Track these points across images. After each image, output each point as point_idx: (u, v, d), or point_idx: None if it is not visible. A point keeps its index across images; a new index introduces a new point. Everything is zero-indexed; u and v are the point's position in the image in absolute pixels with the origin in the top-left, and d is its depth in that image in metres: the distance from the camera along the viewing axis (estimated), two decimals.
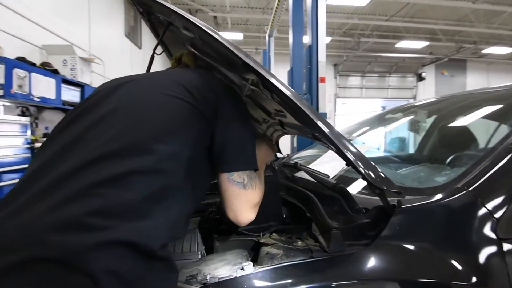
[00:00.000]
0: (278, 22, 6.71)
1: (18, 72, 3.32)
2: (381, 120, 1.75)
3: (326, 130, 0.61)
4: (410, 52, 11.64)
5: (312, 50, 3.36)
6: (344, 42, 11.69)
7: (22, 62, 3.47)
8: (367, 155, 1.33)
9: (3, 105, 3.36)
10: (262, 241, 0.82)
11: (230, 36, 10.24)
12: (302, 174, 1.27)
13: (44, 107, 3.93)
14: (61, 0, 4.89)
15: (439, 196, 0.74)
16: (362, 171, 0.64)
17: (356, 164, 0.63)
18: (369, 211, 0.78)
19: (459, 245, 0.68)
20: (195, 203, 0.69)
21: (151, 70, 0.89)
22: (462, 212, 0.71)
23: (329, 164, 1.20)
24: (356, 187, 0.99)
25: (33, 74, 3.54)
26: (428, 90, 13.08)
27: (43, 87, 3.70)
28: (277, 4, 5.83)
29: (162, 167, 0.56)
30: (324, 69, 3.36)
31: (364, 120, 1.93)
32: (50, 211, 0.45)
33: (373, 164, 0.69)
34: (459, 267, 0.64)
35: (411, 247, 0.65)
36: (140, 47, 8.34)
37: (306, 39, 3.65)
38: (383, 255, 0.64)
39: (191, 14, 8.81)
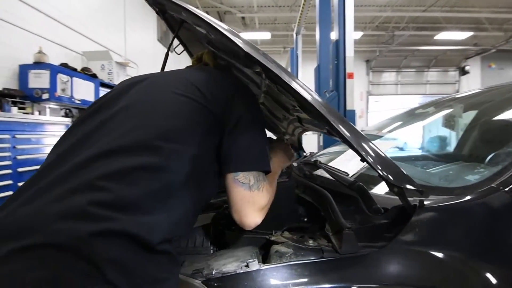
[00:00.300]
0: (306, 19, 6.58)
1: (61, 77, 3.63)
2: (412, 115, 1.63)
3: (330, 119, 0.57)
4: (451, 44, 10.74)
5: (339, 45, 3.24)
6: (377, 37, 11.16)
7: (65, 68, 3.79)
8: (398, 153, 1.25)
9: (49, 107, 3.70)
10: (272, 239, 0.80)
11: (257, 36, 10.28)
12: (321, 172, 1.22)
13: (84, 109, 4.24)
14: (99, 10, 5.25)
15: (469, 197, 0.66)
16: (377, 167, 0.59)
17: (369, 160, 0.58)
18: (388, 211, 0.72)
19: (492, 254, 0.60)
20: (202, 202, 0.69)
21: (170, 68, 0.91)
22: (496, 216, 0.63)
23: (350, 162, 1.14)
24: (384, 187, 0.93)
25: (74, 78, 3.85)
26: (473, 85, 12.00)
27: (83, 90, 4.01)
28: (304, 1, 5.73)
29: (167, 165, 0.57)
30: (352, 65, 3.22)
31: (394, 116, 1.81)
32: (57, 200, 0.48)
33: (392, 161, 0.64)
34: (493, 280, 0.56)
35: (431, 252, 0.59)
36: (171, 51, 8.69)
37: (334, 36, 3.53)
38: (398, 259, 0.59)
39: (219, 16, 8.94)
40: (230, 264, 0.70)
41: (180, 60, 1.63)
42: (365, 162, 0.64)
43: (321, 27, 4.19)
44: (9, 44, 3.35)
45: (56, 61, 3.78)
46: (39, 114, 3.55)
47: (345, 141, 0.60)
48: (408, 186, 0.60)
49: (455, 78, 12.64)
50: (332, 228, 0.74)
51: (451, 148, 1.62)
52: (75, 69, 4.01)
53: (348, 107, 3.24)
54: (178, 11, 0.80)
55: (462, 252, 0.60)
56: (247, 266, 0.62)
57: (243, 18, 10.05)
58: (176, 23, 0.98)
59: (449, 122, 1.49)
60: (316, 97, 0.61)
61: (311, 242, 0.74)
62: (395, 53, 11.93)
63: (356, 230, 0.67)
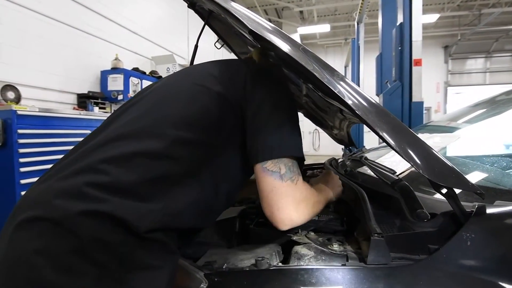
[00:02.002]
0: (368, 6, 6.06)
1: (133, 80, 4.10)
2: (493, 103, 1.32)
3: (345, 95, 0.47)
4: None
5: (404, 28, 2.88)
6: (458, 18, 9.66)
7: (136, 72, 4.26)
8: (471, 149, 1.02)
9: None
10: (294, 238, 0.73)
11: (316, 30, 9.92)
12: (365, 170, 1.08)
13: None
14: (166, 18, 5.76)
15: None
16: (412, 160, 0.48)
17: (400, 151, 0.47)
18: (435, 217, 0.59)
19: None
20: (221, 196, 0.64)
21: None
22: None
23: (399, 159, 0.98)
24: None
25: (144, 81, 4.30)
26: None
27: None
28: None
29: (171, 152, 0.55)
30: (420, 50, 2.82)
31: (470, 105, 1.51)
32: (63, 179, 0.51)
33: (438, 154, 0.51)
34: None
35: (482, 276, 0.44)
36: (230, 52, 9.03)
37: (399, 19, 3.15)
38: (436, 279, 0.46)
39: (277, 13, 8.93)
40: (247, 260, 0.66)
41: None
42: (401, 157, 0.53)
43: (385, 11, 3.79)
44: (93, 53, 3.92)
45: (129, 66, 4.28)
46: None
47: (363, 122, 0.50)
48: (459, 187, 0.47)
49: None
50: (362, 233, 0.64)
51: None
52: (144, 73, 4.47)
53: (415, 99, 2.86)
54: (203, 2, 0.79)
55: None
56: (255, 265, 0.57)
57: (301, 12, 9.82)
58: (206, 14, 0.98)
59: None
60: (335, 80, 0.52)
61: (336, 246, 0.65)
62: (483, 35, 10.14)
63: (389, 237, 0.55)
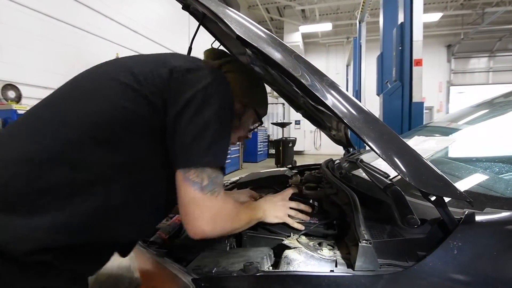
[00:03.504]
0: (370, 4, 6.03)
1: None
2: (491, 106, 1.31)
3: (332, 102, 0.47)
4: None
5: (404, 28, 2.86)
6: (461, 17, 9.59)
7: None
8: (467, 152, 1.02)
9: None
10: (285, 242, 0.73)
11: (318, 28, 9.88)
12: (360, 172, 1.08)
13: None
14: (167, 17, 5.76)
15: None
16: (397, 167, 0.47)
17: (384, 157, 0.47)
18: (425, 223, 0.58)
19: None
20: (139, 203, 0.58)
21: None
22: None
23: None
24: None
25: None
26: None
27: None
28: None
29: (67, 156, 0.49)
30: (421, 50, 2.81)
31: (470, 106, 1.50)
32: None
33: (424, 160, 0.51)
34: None
35: (469, 286, 0.43)
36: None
37: (400, 19, 3.13)
38: (421, 286, 0.45)
39: (278, 11, 8.90)
40: (238, 263, 0.66)
41: None
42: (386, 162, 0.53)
43: (385, 10, 3.77)
44: (94, 52, 3.93)
45: None
46: None
47: (350, 128, 0.50)
48: (445, 195, 0.47)
49: None
50: (352, 238, 0.64)
51: None
52: None
53: (415, 99, 2.84)
54: (194, 4, 0.78)
55: None
56: (243, 270, 0.57)
57: (302, 10, 9.78)
58: (200, 17, 0.98)
59: None
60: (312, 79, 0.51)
61: (326, 251, 0.65)
62: (486, 34, 10.06)
63: (377, 244, 0.55)
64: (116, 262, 0.68)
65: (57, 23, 3.55)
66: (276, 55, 0.49)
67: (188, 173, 0.54)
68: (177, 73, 0.58)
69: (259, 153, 9.71)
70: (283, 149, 7.67)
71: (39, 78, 3.37)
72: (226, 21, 0.50)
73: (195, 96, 0.56)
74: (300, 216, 0.79)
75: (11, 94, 3.05)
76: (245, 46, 0.52)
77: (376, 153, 0.48)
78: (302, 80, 0.48)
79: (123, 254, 0.64)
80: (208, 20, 1.08)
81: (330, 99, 0.49)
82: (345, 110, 0.49)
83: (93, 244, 0.52)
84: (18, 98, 3.09)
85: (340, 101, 0.49)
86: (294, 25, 9.77)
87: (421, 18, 2.82)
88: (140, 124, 0.55)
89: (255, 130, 1.30)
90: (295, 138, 8.37)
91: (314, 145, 12.61)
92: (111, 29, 4.27)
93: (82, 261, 0.52)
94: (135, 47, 4.77)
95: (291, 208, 0.81)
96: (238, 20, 0.56)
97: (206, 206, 0.55)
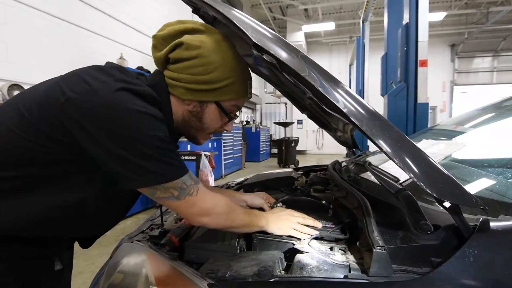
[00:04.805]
0: (374, 4, 6.00)
1: None
2: (500, 109, 1.30)
3: (350, 112, 0.47)
4: None
5: (410, 28, 2.85)
6: (465, 16, 9.53)
7: (140, 70, 4.27)
8: (478, 156, 1.01)
9: None
10: (296, 246, 0.73)
11: (321, 28, 9.86)
12: (369, 175, 1.08)
13: None
14: (170, 16, 5.75)
15: None
16: (411, 174, 0.48)
17: (400, 164, 0.47)
18: (438, 229, 0.59)
19: None
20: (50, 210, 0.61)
21: None
22: None
23: None
24: None
25: None
26: None
27: None
28: None
29: None
30: (426, 51, 2.80)
31: (477, 109, 1.49)
32: None
33: (438, 166, 0.51)
34: None
35: None
36: None
37: (405, 18, 3.12)
38: None
39: (281, 10, 8.87)
40: (250, 267, 0.66)
41: None
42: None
43: (390, 10, 3.75)
44: (98, 52, 3.95)
45: (133, 65, 4.29)
46: None
47: (367, 136, 0.50)
48: (460, 202, 0.47)
49: None
50: (365, 243, 0.64)
51: None
52: (148, 71, 4.48)
53: (420, 100, 2.83)
54: (201, 6, 0.79)
55: None
56: (258, 274, 0.58)
57: (305, 9, 9.76)
58: (211, 20, 0.98)
59: None
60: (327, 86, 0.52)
61: (338, 256, 0.65)
62: (490, 33, 10.00)
63: (391, 250, 0.56)
64: (130, 264, 0.69)
65: (62, 23, 3.56)
66: (293, 63, 0.50)
67: (156, 194, 0.60)
68: (77, 100, 0.57)
69: (261, 152, 9.71)
70: (285, 148, 7.67)
71: (44, 78, 3.35)
72: (243, 29, 0.51)
73: (102, 122, 0.55)
74: (306, 230, 0.78)
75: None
76: (260, 52, 0.53)
77: (394, 161, 0.48)
78: (320, 90, 0.48)
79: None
80: (217, 23, 1.08)
81: (348, 107, 0.49)
82: (361, 118, 0.49)
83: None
84: None
85: (357, 109, 0.50)
86: (297, 24, 9.74)
87: (427, 18, 2.81)
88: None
89: (234, 122, 1.25)
90: (298, 138, 8.36)
91: (316, 145, 12.60)
92: (115, 29, 4.28)
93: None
94: (139, 47, 4.78)
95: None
96: (254, 27, 0.57)
97: (191, 206, 0.63)
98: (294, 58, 0.53)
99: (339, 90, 0.52)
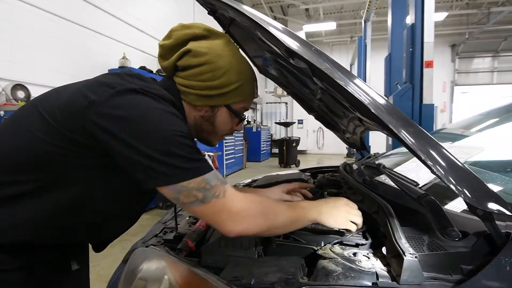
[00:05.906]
0: (376, 4, 6.00)
1: None
2: (508, 112, 1.30)
3: (385, 119, 0.47)
4: None
5: (415, 29, 2.84)
6: (466, 16, 9.54)
7: (143, 70, 4.26)
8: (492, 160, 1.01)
9: None
10: (319, 252, 0.72)
11: (322, 27, 9.85)
12: (384, 179, 1.07)
13: None
14: (172, 16, 5.74)
15: None
16: (450, 181, 0.47)
17: (439, 173, 0.46)
18: (467, 236, 0.58)
19: None
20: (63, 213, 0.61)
21: None
22: None
23: (421, 169, 0.97)
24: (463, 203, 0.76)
25: None
26: None
27: None
28: None
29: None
30: (432, 52, 2.79)
31: (486, 111, 1.48)
32: None
33: (472, 173, 0.50)
34: None
35: None
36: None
37: (409, 19, 3.11)
38: None
39: (282, 10, 8.86)
40: (272, 274, 0.65)
41: None
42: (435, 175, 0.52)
43: (394, 10, 3.75)
44: (101, 52, 3.93)
45: (136, 65, 4.28)
46: None
47: (407, 147, 0.49)
48: (493, 208, 0.46)
49: None
50: (391, 250, 0.63)
51: None
52: (151, 71, 4.47)
53: (425, 101, 2.83)
54: (226, 9, 0.78)
55: None
56: (285, 282, 0.57)
57: (306, 9, 9.75)
58: (227, 22, 0.97)
59: None
60: (368, 95, 0.51)
61: (363, 263, 0.65)
62: (491, 34, 10.01)
63: (420, 257, 0.55)
64: (151, 270, 0.68)
65: (66, 23, 3.54)
66: (328, 70, 0.49)
67: (179, 198, 0.55)
68: (98, 103, 0.58)
69: (262, 152, 9.70)
70: (287, 148, 7.67)
71: (48, 78, 3.37)
72: (275, 34, 0.50)
73: (125, 122, 0.55)
74: (360, 224, 0.75)
75: (20, 94, 3.05)
76: (292, 56, 0.52)
77: (437, 175, 0.47)
78: (356, 96, 0.47)
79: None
80: (233, 26, 1.07)
81: (387, 120, 0.48)
82: (407, 137, 0.48)
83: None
84: (27, 98, 3.09)
85: (390, 120, 0.49)
86: (298, 24, 9.73)
87: (433, 19, 2.80)
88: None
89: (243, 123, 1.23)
90: (299, 138, 8.36)
91: (317, 145, 12.60)
92: (118, 29, 4.27)
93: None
94: (142, 47, 4.77)
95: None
96: (283, 30, 0.56)
97: (219, 210, 0.56)
98: (324, 63, 0.52)
99: (378, 101, 0.51)
